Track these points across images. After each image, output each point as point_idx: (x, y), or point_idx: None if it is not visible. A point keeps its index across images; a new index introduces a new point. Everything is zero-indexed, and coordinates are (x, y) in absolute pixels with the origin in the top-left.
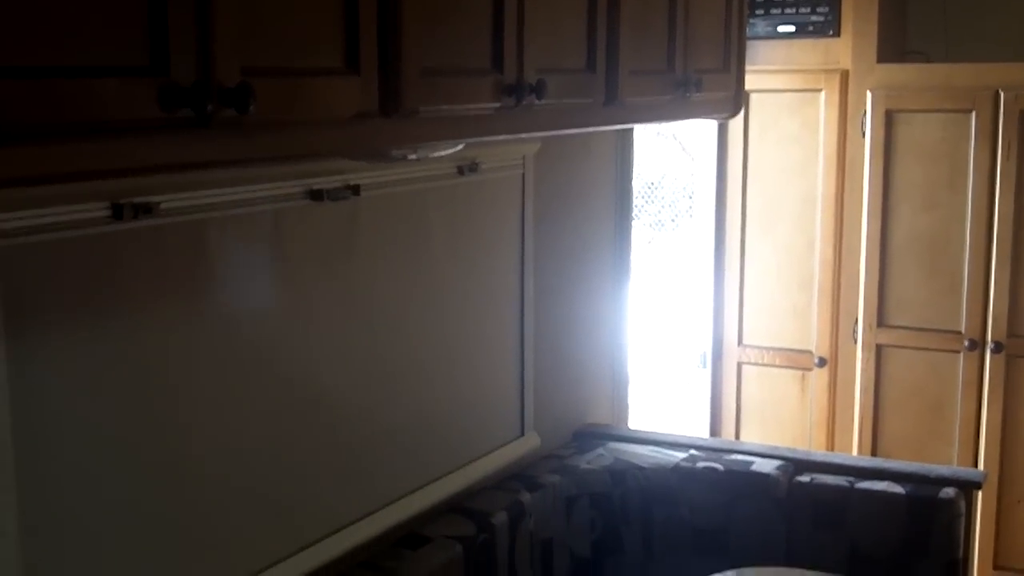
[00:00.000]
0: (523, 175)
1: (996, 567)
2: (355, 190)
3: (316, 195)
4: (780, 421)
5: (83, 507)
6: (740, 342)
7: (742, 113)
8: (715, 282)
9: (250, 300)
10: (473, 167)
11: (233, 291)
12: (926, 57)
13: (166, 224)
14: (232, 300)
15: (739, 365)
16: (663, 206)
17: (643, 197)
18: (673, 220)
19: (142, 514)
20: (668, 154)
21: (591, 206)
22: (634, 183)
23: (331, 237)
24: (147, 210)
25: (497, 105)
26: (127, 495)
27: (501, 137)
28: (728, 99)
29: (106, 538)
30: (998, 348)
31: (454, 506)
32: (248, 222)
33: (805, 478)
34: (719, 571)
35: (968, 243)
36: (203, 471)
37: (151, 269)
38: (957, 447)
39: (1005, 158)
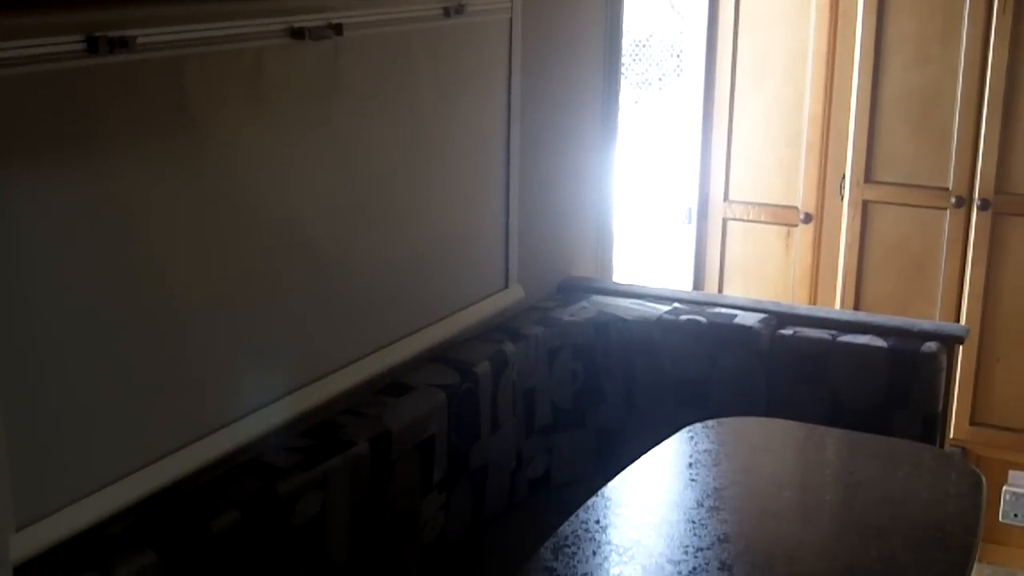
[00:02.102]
0: (511, 20)
1: (973, 423)
2: (337, 29)
3: (297, 33)
4: (764, 277)
5: (57, 356)
6: (726, 198)
7: None
8: (702, 138)
9: (230, 143)
10: (459, 8)
11: (212, 134)
12: None
13: (143, 60)
14: (211, 143)
15: (724, 221)
16: (650, 65)
17: (630, 56)
18: (660, 80)
19: (120, 362)
20: (656, 12)
21: (579, 58)
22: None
23: (313, 80)
24: (123, 44)
25: None
26: (104, 343)
27: None
28: None
29: (82, 386)
30: (985, 205)
31: (437, 356)
32: (227, 60)
33: (788, 331)
34: (700, 422)
35: (959, 99)
36: (183, 318)
37: (128, 109)
38: (940, 305)
39: (1000, 12)
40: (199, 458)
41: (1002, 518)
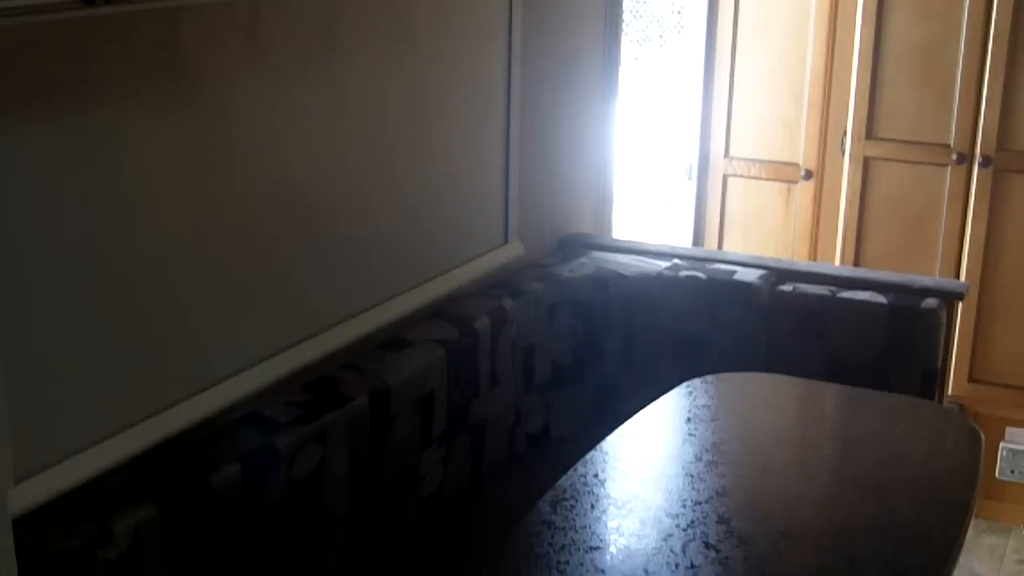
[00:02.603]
0: None
1: (971, 380)
2: None
3: None
4: (764, 234)
5: (54, 310)
6: (727, 154)
7: None
8: (703, 95)
9: (225, 95)
10: None
11: (207, 85)
12: None
13: (139, 12)
14: (207, 95)
15: (725, 177)
16: (651, 21)
17: (631, 12)
18: (661, 36)
19: (118, 316)
20: None
21: (580, 14)
22: None
23: (309, 31)
24: None
25: None
26: (101, 297)
27: None
28: None
29: (80, 339)
30: (986, 162)
31: (437, 311)
32: (224, 11)
33: (787, 287)
34: (699, 377)
35: (962, 55)
36: (180, 272)
37: (123, 60)
38: (940, 262)
39: None
40: (198, 412)
41: (999, 474)
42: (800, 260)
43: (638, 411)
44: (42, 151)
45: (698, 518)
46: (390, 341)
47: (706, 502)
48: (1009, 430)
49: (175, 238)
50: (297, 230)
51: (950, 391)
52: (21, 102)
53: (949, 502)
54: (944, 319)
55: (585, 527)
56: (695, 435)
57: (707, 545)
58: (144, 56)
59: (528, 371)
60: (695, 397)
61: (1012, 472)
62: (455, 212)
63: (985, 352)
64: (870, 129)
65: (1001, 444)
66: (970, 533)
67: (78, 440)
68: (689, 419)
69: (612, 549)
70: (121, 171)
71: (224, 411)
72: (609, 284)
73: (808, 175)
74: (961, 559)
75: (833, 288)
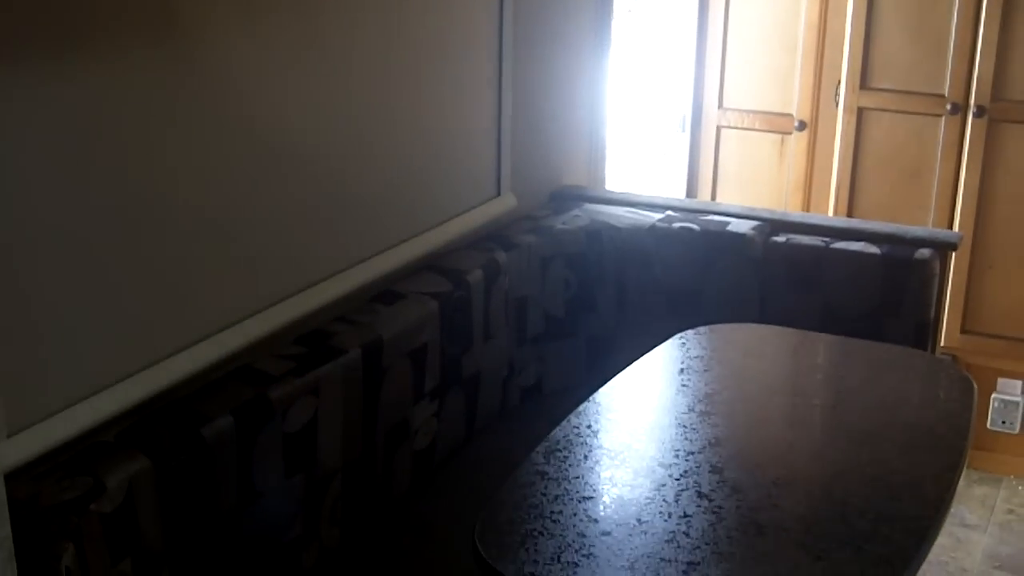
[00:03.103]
0: None
1: (963, 331)
2: None
3: None
4: (757, 185)
5: (47, 263)
6: (720, 105)
7: None
8: (697, 46)
9: (219, 49)
10: None
11: (202, 39)
12: None
13: None
14: (201, 49)
15: (718, 129)
16: None
17: None
18: None
19: (110, 269)
20: None
21: None
22: None
23: None
24: None
25: None
26: (94, 250)
27: None
28: None
29: (72, 292)
30: (980, 112)
31: (429, 265)
32: None
33: (781, 238)
34: (692, 329)
35: (957, 4)
36: (172, 225)
37: (119, 14)
38: (933, 213)
39: None
40: (191, 365)
41: (990, 425)
42: (793, 211)
43: (631, 363)
44: (37, 104)
45: (691, 468)
46: (383, 294)
47: (699, 452)
48: (1001, 381)
49: (167, 190)
50: (289, 183)
51: (942, 342)
52: (16, 54)
53: (941, 451)
54: (937, 269)
55: (578, 477)
56: (688, 386)
57: (700, 494)
58: (140, 10)
59: (521, 324)
60: (688, 348)
61: (1003, 423)
62: (447, 165)
63: (978, 303)
64: (864, 79)
65: (993, 395)
66: (961, 483)
67: (71, 394)
68: (682, 370)
69: (605, 499)
70: (114, 123)
71: (217, 364)
72: (602, 236)
73: (802, 126)
74: (952, 509)
75: (826, 239)
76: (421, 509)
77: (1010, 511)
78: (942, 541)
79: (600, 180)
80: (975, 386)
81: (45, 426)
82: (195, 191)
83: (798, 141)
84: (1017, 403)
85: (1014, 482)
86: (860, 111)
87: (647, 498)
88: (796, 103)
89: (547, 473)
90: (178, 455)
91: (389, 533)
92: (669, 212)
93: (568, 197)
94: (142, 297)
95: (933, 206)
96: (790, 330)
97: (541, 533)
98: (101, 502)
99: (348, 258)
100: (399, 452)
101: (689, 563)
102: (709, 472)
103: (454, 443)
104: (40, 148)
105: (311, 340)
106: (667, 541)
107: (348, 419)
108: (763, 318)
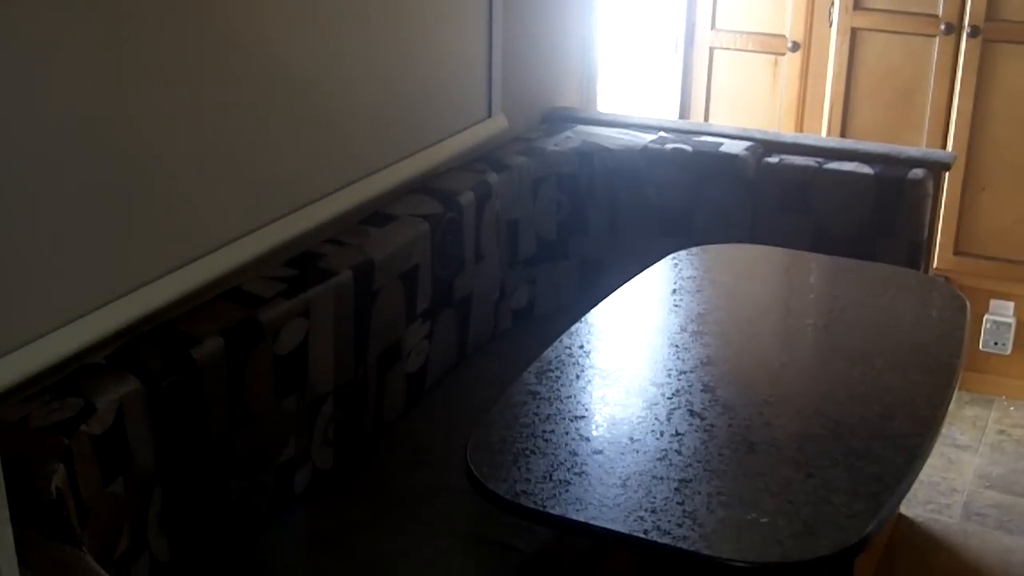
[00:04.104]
0: None
1: (956, 253)
2: None
3: None
4: (750, 107)
5: (34, 183)
6: (713, 26)
7: None
8: None
9: None
10: None
11: None
12: None
13: None
14: None
15: (711, 50)
16: None
17: None
18: None
19: (98, 189)
20: None
21: None
22: None
23: None
24: None
25: None
26: (81, 170)
27: None
28: None
29: (59, 213)
30: (975, 32)
31: (420, 187)
32: None
33: (774, 159)
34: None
35: None
36: (160, 146)
37: None
38: (926, 135)
39: None
40: (180, 287)
41: (982, 346)
42: (786, 132)
43: (623, 285)
44: (22, 20)
45: (683, 387)
46: (373, 216)
47: (691, 371)
48: (993, 302)
49: (158, 112)
50: (279, 104)
51: (935, 264)
52: None
53: (934, 369)
54: (931, 189)
55: (570, 397)
56: (680, 306)
57: (692, 413)
58: None
59: (513, 246)
60: (680, 269)
61: (995, 344)
62: (438, 86)
63: (970, 225)
64: None
65: (985, 316)
66: (953, 405)
67: (59, 316)
68: (675, 290)
69: (597, 418)
70: (99, 46)
71: (207, 286)
72: (594, 158)
73: (795, 47)
74: (944, 430)
75: (820, 159)
76: (414, 430)
77: (1001, 432)
78: (933, 461)
79: (592, 101)
80: (968, 304)
81: (34, 348)
82: (184, 112)
83: (791, 62)
84: (1009, 324)
85: (1005, 403)
86: (853, 32)
87: (639, 417)
88: (789, 24)
89: (539, 393)
90: (168, 377)
91: (382, 455)
92: (662, 133)
93: (560, 118)
94: (131, 219)
95: (926, 128)
96: (782, 250)
97: (533, 452)
98: (91, 423)
99: (338, 180)
100: (391, 374)
101: (681, 480)
102: (701, 391)
103: (446, 365)
104: (34, 66)
105: (301, 262)
106: (659, 459)
107: (339, 341)
108: (755, 239)
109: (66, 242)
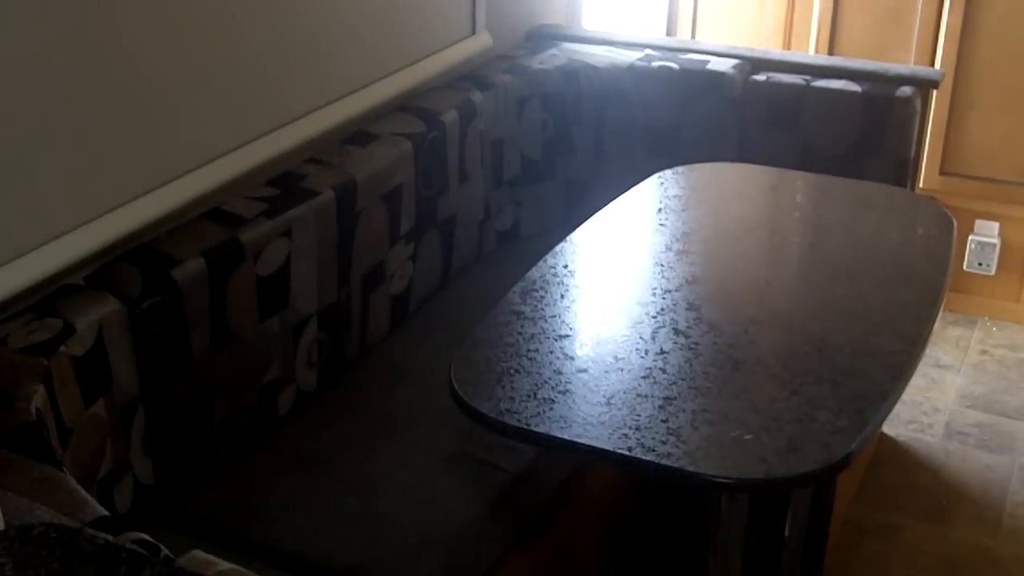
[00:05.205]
0: None
1: (943, 172)
2: None
3: None
4: (738, 24)
5: (8, 101)
6: None
7: None
8: None
9: None
10: None
11: None
12: None
13: None
14: None
15: None
16: None
17: None
18: None
19: (75, 108)
20: None
21: None
22: None
23: None
24: None
25: None
26: (58, 89)
27: None
28: None
29: (35, 131)
30: None
31: (403, 105)
32: None
33: (761, 77)
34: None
35: None
36: (138, 61)
37: None
38: (914, 54)
39: None
40: (160, 206)
41: (967, 267)
42: (774, 50)
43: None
44: None
45: (668, 305)
46: (355, 136)
47: (676, 290)
48: (978, 222)
49: (136, 27)
50: (259, 19)
51: (921, 184)
52: None
53: (920, 287)
54: (919, 107)
55: (555, 316)
56: (665, 225)
57: (677, 331)
58: None
59: (497, 166)
60: (666, 188)
61: (980, 264)
62: (420, 2)
63: (957, 145)
64: None
65: (970, 236)
66: (936, 325)
67: (37, 236)
68: (660, 209)
69: (581, 337)
70: None
71: (187, 206)
72: (580, 76)
73: None
74: (927, 350)
75: (807, 77)
76: (398, 352)
77: (984, 352)
78: (916, 381)
79: (578, 18)
80: (954, 222)
81: (12, 268)
82: (163, 28)
83: None
84: (994, 245)
85: (988, 323)
86: None
87: (623, 335)
88: None
89: (523, 312)
90: (149, 297)
91: (366, 376)
92: (648, 51)
93: (545, 36)
94: (109, 138)
95: (915, 46)
96: (769, 169)
97: (517, 371)
98: (71, 344)
99: (319, 98)
100: (375, 295)
101: (665, 398)
102: (686, 310)
103: (430, 287)
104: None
105: (282, 182)
106: (643, 377)
107: (322, 262)
108: (742, 157)
109: (43, 161)
